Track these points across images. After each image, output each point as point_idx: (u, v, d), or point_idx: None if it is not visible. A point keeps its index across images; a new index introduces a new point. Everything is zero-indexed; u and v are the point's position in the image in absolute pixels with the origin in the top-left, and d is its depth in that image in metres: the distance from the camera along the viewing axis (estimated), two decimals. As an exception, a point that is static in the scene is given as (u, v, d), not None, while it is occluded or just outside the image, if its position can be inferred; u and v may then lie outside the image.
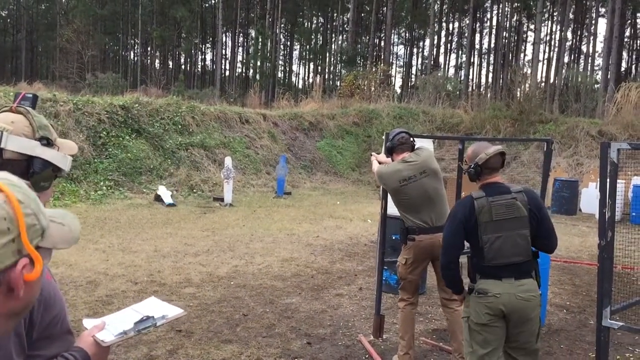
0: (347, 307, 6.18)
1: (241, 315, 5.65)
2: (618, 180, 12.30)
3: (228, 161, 13.75)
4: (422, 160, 4.52)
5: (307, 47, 54.68)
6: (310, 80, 51.69)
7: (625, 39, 45.79)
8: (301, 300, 6.28)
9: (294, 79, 56.42)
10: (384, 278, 6.74)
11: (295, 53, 57.24)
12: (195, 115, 16.97)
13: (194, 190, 14.48)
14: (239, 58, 54.68)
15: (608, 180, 3.91)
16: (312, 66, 55.75)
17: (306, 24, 55.05)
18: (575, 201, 14.85)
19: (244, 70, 52.67)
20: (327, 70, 49.59)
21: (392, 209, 6.30)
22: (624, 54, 45.63)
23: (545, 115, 20.14)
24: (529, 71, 27.47)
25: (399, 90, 36.94)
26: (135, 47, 52.06)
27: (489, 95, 29.76)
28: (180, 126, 16.30)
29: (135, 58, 52.01)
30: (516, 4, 44.01)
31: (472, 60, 44.91)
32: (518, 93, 22.11)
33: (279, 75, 52.17)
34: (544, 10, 34.45)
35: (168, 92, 26.59)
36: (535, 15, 32.11)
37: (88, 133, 14.13)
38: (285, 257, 8.39)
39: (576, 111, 22.57)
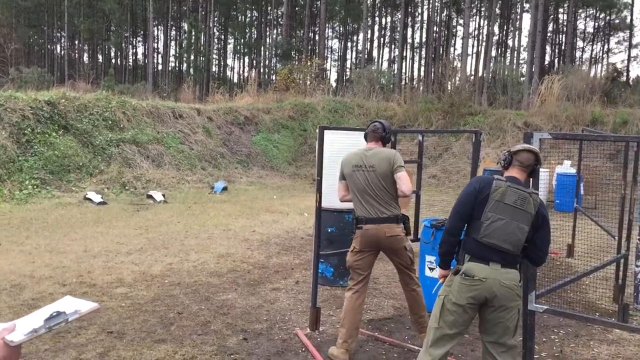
0: (283, 301, 6.18)
1: (175, 313, 5.55)
2: (543, 169, 12.78)
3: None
4: (377, 157, 4.67)
5: (242, 41, 54.13)
6: (246, 74, 51.26)
7: (549, 34, 47.76)
8: (237, 296, 6.23)
9: (228, 73, 55.78)
10: (320, 271, 6.78)
11: (230, 47, 56.57)
12: (126, 110, 16.50)
13: (126, 188, 14.09)
14: (172, 52, 53.51)
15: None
16: (247, 60, 55.28)
17: (240, 17, 54.46)
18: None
19: (177, 65, 51.59)
20: (262, 64, 49.29)
21: (327, 202, 6.37)
22: (548, 48, 47.58)
23: (475, 107, 20.76)
24: (458, 65, 28.24)
25: (334, 84, 37.18)
26: (62, 41, 50.08)
27: (421, 88, 30.35)
28: (110, 122, 15.80)
29: (62, 52, 50.01)
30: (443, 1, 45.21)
31: (404, 54, 45.70)
32: (449, 86, 22.69)
33: (214, 69, 51.43)
34: (472, 5, 35.41)
35: (97, 87, 25.73)
36: (464, 11, 32.99)
37: (11, 130, 13.49)
38: (221, 253, 8.30)
39: (503, 103, 23.37)
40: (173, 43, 54.55)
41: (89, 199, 12.65)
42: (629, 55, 46.28)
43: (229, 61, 57.52)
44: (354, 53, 55.60)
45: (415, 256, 5.03)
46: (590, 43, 50.48)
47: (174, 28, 55.08)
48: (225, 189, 14.68)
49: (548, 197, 14.46)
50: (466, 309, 3.46)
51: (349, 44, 55.64)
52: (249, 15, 54.79)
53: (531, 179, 3.66)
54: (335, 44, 56.85)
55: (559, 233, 10.94)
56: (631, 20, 46.87)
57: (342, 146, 6.82)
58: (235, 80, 50.91)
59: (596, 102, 18.79)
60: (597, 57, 49.80)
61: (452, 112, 19.96)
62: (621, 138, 6.02)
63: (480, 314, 3.52)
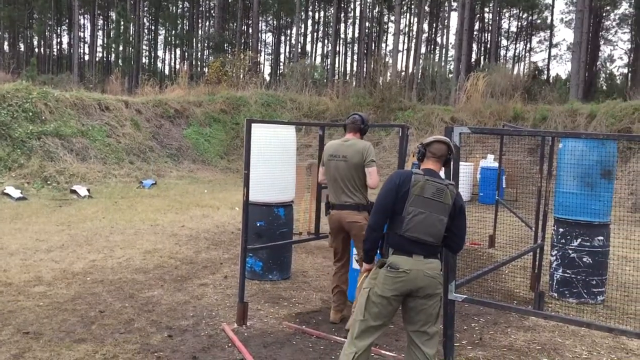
0: (211, 297, 6.11)
1: (97, 312, 5.38)
2: (467, 163, 13.17)
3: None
4: (352, 148, 5.10)
5: (173, 32, 52.91)
6: (177, 66, 50.21)
7: (475, 32, 49.23)
8: (163, 293, 6.11)
9: (159, 65, 54.45)
10: (248, 265, 6.76)
11: (161, 38, 55.20)
12: (48, 102, 15.81)
13: (48, 182, 13.53)
14: (99, 42, 51.72)
15: (452, 162, 4.19)
16: (178, 52, 54.12)
17: (171, 8, 53.19)
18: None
19: (104, 55, 49.90)
20: (194, 57, 48.39)
21: (256, 196, 6.34)
22: (474, 46, 49.05)
23: (405, 102, 21.18)
24: (389, 61, 28.75)
25: (268, 78, 37.00)
26: (-21, 28, 47.44)
27: (353, 83, 30.65)
28: (31, 113, 15.10)
29: (-21, 40, 47.39)
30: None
31: (337, 49, 46.01)
32: (380, 82, 23.03)
33: (143, 60, 50.03)
34: (403, 2, 36.04)
35: (18, 77, 24.52)
36: (395, 7, 33.54)
37: None
38: (148, 249, 8.12)
39: (432, 99, 23.96)
40: (100, 33, 52.74)
41: (7, 194, 12.06)
42: (549, 54, 48.51)
43: (160, 53, 56.22)
44: (287, 47, 55.56)
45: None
46: (514, 42, 52.46)
47: (101, 17, 53.24)
48: (154, 183, 14.35)
49: (472, 190, 14.93)
50: (391, 300, 3.53)
51: (283, 38, 55.54)
52: (181, 6, 53.62)
53: (444, 168, 3.82)
54: (268, 37, 56.62)
55: (482, 225, 11.35)
56: (551, 20, 49.11)
57: (270, 140, 6.84)
58: (167, 73, 49.76)
59: (518, 99, 19.57)
60: (520, 55, 51.83)
61: (383, 107, 20.29)
62: (535, 132, 6.28)
63: (403, 304, 3.60)
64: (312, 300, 6.20)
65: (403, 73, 32.11)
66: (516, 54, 51.93)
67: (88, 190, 13.01)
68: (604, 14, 45.95)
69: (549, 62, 47.50)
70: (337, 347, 4.70)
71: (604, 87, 45.54)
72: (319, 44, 53.47)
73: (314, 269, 7.55)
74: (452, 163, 4.09)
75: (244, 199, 5.39)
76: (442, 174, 3.80)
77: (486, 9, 49.32)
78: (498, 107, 18.90)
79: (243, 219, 5.45)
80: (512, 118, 18.42)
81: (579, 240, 6.37)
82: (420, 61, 33.89)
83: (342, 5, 47.57)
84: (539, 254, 6.22)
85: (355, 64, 47.14)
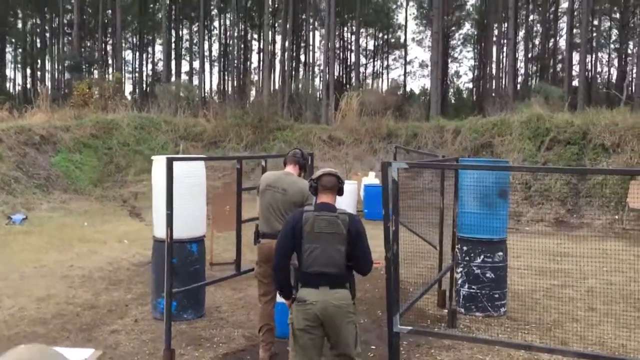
0: (126, 345, 5.77)
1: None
2: (350, 181, 13.51)
3: None
4: (294, 185, 5.15)
5: (23, 50, 49.06)
6: (30, 87, 46.64)
7: (338, 51, 50.96)
8: (71, 345, 5.66)
9: (8, 85, 50.07)
10: (161, 306, 6.45)
11: (9, 57, 50.90)
12: None
13: None
14: None
15: (390, 196, 4.34)
16: (28, 72, 50.27)
17: (20, 24, 49.33)
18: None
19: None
20: (51, 78, 45.26)
21: (163, 232, 6.09)
22: (337, 65, 50.76)
23: (282, 122, 21.41)
24: (257, 78, 28.93)
25: (129, 97, 35.47)
26: None
27: (228, 103, 30.45)
28: None
29: None
30: (241, 13, 45.86)
31: (204, 68, 45.40)
32: (252, 100, 23.10)
33: (-11, 81, 45.90)
34: (269, 22, 36.45)
35: None
36: (263, 27, 33.91)
37: None
38: (41, 296, 7.46)
39: (309, 118, 24.46)
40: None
41: None
42: (405, 71, 51.61)
43: (8, 72, 51.75)
44: (149, 65, 53.73)
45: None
46: (372, 60, 55.03)
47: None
48: (25, 218, 13.20)
49: (357, 207, 15.40)
50: (307, 331, 3.74)
51: (145, 56, 53.62)
52: (31, 22, 49.88)
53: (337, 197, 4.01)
54: (129, 55, 54.37)
55: (376, 242, 11.73)
56: (405, 40, 52.33)
57: (178, 174, 6.60)
58: (21, 95, 45.89)
59: (389, 117, 20.57)
60: (378, 72, 54.54)
61: (261, 126, 20.37)
62: (471, 166, 6.69)
63: (325, 332, 3.79)
64: (235, 338, 6.07)
65: (275, 92, 32.39)
66: (374, 71, 54.54)
67: (-52, 230, 11.69)
68: (451, 34, 49.88)
69: (405, 79, 50.44)
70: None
71: (453, 101, 49.39)
72: (184, 62, 52.40)
73: (226, 303, 7.38)
74: (391, 197, 4.27)
75: (168, 241, 5.19)
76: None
77: (345, 29, 51.36)
78: (372, 124, 19.73)
79: (167, 262, 5.24)
80: (387, 135, 19.32)
81: (481, 257, 6.85)
82: (292, 80, 34.42)
83: (206, 22, 47.03)
84: (450, 272, 6.58)
85: (229, 82, 46.64)
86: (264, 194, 5.26)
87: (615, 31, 44.90)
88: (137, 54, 53.12)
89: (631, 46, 42.77)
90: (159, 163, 6.84)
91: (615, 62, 45.53)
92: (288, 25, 36.42)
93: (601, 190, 15.23)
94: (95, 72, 37.34)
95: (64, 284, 8.12)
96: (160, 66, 51.53)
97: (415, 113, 22.51)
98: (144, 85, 49.61)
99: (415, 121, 20.84)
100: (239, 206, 5.93)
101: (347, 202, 14.69)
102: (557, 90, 23.53)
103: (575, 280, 8.57)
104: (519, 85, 39.87)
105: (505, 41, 40.10)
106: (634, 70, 41.08)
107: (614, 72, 46.30)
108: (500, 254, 6.92)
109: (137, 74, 52.65)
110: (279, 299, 5.76)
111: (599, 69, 45.79)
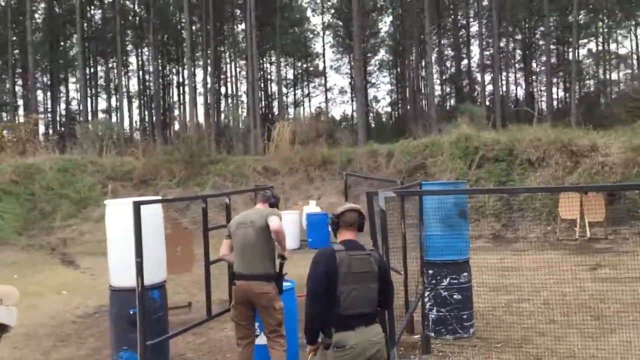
0: (93, 406, 5.33)
1: None
2: (291, 211, 13.39)
3: None
4: (258, 213, 5.10)
5: None
6: None
7: (260, 81, 51.12)
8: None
9: None
10: (125, 360, 6.04)
11: None
12: None
13: None
14: None
15: (379, 226, 4.27)
16: None
17: None
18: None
19: None
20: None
21: (123, 281, 5.77)
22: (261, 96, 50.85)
23: (214, 155, 21.06)
24: (181, 114, 28.43)
25: (43, 139, 33.77)
26: None
27: (156, 140, 29.68)
28: None
29: None
30: (158, 47, 45.15)
31: (124, 105, 44.23)
32: (181, 136, 22.59)
33: None
34: (189, 56, 35.97)
35: None
36: (185, 61, 33.47)
37: None
38: (-17, 361, 6.82)
39: (239, 150, 24.19)
40: None
41: None
42: (326, 97, 52.38)
43: None
44: (62, 104, 51.58)
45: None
46: (293, 88, 55.52)
47: None
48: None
49: (300, 236, 15.29)
50: None
51: (58, 95, 51.47)
52: None
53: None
54: (39, 95, 51.97)
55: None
56: (324, 67, 53.21)
57: (125, 219, 6.23)
58: None
59: (322, 144, 20.68)
60: (299, 101, 55.08)
61: (193, 162, 19.93)
62: (447, 191, 6.73)
63: None
64: (210, 388, 5.76)
65: (202, 125, 31.92)
66: (295, 100, 55.01)
67: None
68: (367, 60, 51.22)
69: (327, 105, 51.13)
70: None
71: (373, 125, 50.53)
72: (99, 99, 50.72)
73: (190, 349, 7.03)
74: (379, 227, 4.22)
75: (139, 290, 4.88)
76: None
77: (264, 59, 51.62)
78: (306, 153, 19.76)
79: (139, 313, 4.92)
80: (322, 162, 19.39)
81: (447, 279, 6.88)
82: (217, 113, 34.07)
83: (123, 58, 45.94)
84: (421, 298, 6.56)
85: (154, 118, 45.36)
86: (235, 234, 5.15)
87: (518, 52, 47.68)
88: (49, 93, 50.99)
89: (534, 65, 45.64)
90: (114, 207, 6.48)
91: (522, 82, 48.35)
92: (209, 60, 36.15)
93: (532, 203, 15.88)
94: (3, 114, 35.52)
95: (7, 345, 7.44)
96: (74, 105, 49.81)
97: (346, 139, 22.78)
98: (58, 126, 47.63)
99: (348, 147, 21.07)
100: (206, 247, 5.69)
101: (289, 231, 14.59)
102: (480, 110, 24.56)
103: (529, 293, 8.83)
104: (436, 107, 41.32)
105: (424, 63, 41.46)
106: (540, 88, 43.86)
107: (518, 90, 49.21)
108: (465, 274, 6.99)
109: (49, 115, 50.44)
110: (258, 340, 5.54)
111: (505, 88, 48.32)
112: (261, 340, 5.50)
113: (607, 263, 10.95)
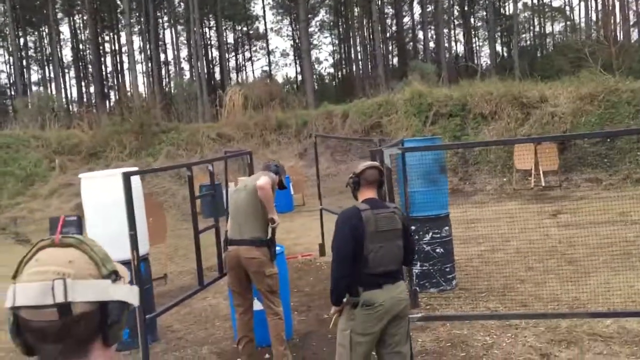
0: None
1: None
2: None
3: None
4: (253, 178, 5.05)
5: None
6: None
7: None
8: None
9: None
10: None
11: None
12: None
13: None
14: None
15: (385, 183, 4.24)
16: None
17: None
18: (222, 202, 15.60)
19: None
20: None
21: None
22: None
23: (165, 124, 20.49)
24: (126, 84, 27.42)
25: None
26: None
27: (99, 111, 28.58)
28: None
29: None
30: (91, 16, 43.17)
31: (59, 74, 42.20)
32: (128, 105, 21.85)
33: None
34: (127, 22, 34.50)
35: None
36: (123, 27, 32.15)
37: None
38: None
39: (189, 118, 23.62)
40: None
41: None
42: (269, 61, 51.54)
43: None
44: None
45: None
46: (234, 53, 54.35)
47: None
48: None
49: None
50: (375, 334, 3.57)
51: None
52: None
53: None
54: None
55: (295, 235, 11.65)
56: (265, 30, 52.19)
57: (110, 191, 6.02)
58: None
59: (277, 108, 20.44)
60: (241, 65, 54.05)
61: (144, 132, 19.33)
62: (453, 144, 6.68)
63: (383, 331, 3.62)
64: (206, 357, 5.70)
65: (147, 94, 30.94)
66: (238, 64, 53.93)
67: None
68: (308, 21, 50.56)
69: (270, 68, 50.35)
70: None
71: (316, 87, 50.29)
72: (31, 71, 48.28)
73: (176, 320, 6.92)
74: (384, 184, 4.19)
75: (135, 264, 4.71)
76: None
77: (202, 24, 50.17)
78: (261, 117, 19.49)
79: (138, 285, 4.74)
80: (277, 126, 19.20)
81: (430, 234, 6.99)
82: (163, 82, 33.01)
83: (56, 26, 43.69)
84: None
85: (92, 88, 43.59)
86: (232, 198, 5.13)
87: (457, 7, 48.13)
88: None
89: (472, 21, 46.27)
90: (90, 181, 6.22)
91: (460, 37, 48.98)
92: (148, 26, 34.83)
93: (487, 156, 16.27)
94: None
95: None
96: (2, 78, 47.32)
97: (300, 101, 22.58)
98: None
99: (303, 109, 20.91)
100: (194, 215, 5.52)
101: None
102: (430, 67, 24.75)
103: (499, 243, 9.08)
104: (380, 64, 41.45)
105: (370, 22, 41.22)
106: (478, 43, 44.59)
107: (458, 47, 49.91)
108: (447, 228, 7.11)
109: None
110: (256, 306, 5.48)
111: (447, 45, 48.87)
112: (258, 305, 5.45)
113: (566, 210, 11.38)
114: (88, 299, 1.07)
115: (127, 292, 1.17)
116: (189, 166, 5.65)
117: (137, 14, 41.66)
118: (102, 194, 6.00)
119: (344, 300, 3.64)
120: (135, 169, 6.03)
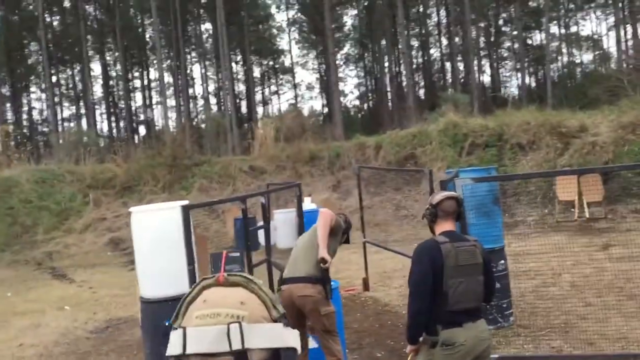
0: None
1: None
2: (288, 210, 12.96)
3: None
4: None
5: None
6: None
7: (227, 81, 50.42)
8: None
9: None
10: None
11: None
12: None
13: None
14: None
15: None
16: None
17: None
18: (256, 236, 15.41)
19: None
20: None
21: (154, 291, 5.43)
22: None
23: (199, 157, 20.56)
24: (155, 118, 27.75)
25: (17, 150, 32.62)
26: None
27: (134, 145, 28.94)
28: None
29: None
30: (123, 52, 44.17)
31: (91, 110, 43.04)
32: (162, 138, 22.04)
33: None
34: (159, 58, 35.22)
35: None
36: (155, 62, 32.76)
37: None
38: (3, 388, 6.36)
39: (220, 151, 23.70)
40: None
41: None
42: (295, 94, 52.02)
43: None
44: (24, 114, 49.92)
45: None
46: (261, 87, 54.96)
47: None
48: None
49: (299, 234, 14.95)
50: None
51: (20, 105, 49.79)
52: None
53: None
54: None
55: (343, 266, 11.38)
56: (292, 64, 52.76)
57: (165, 225, 5.88)
58: None
59: (309, 140, 20.38)
60: (268, 99, 54.57)
61: (177, 165, 19.40)
62: (528, 174, 6.54)
63: None
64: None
65: (180, 128, 31.29)
66: (263, 98, 54.43)
67: None
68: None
69: (296, 101, 50.72)
70: None
71: (341, 119, 50.37)
72: (63, 108, 49.26)
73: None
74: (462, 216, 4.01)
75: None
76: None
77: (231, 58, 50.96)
78: (293, 150, 19.42)
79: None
80: (309, 158, 19.10)
81: (486, 267, 6.69)
82: (200, 116, 33.39)
83: (87, 64, 44.76)
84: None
85: (121, 123, 44.29)
86: (296, 240, 5.21)
87: (482, 39, 48.11)
88: (9, 104, 49.30)
89: (499, 52, 46.17)
90: (140, 215, 6.09)
91: (486, 68, 48.83)
92: (179, 62, 35.43)
93: (526, 187, 15.88)
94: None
95: (22, 369, 7.01)
96: (34, 114, 48.33)
97: (331, 134, 22.52)
98: (23, 137, 46.09)
99: (335, 141, 20.82)
100: (248, 250, 5.36)
101: (287, 231, 14.25)
102: (464, 97, 24.59)
103: (551, 277, 8.73)
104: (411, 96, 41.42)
105: (397, 53, 41.39)
106: (505, 73, 44.46)
107: (485, 77, 49.75)
108: (503, 262, 6.83)
109: (12, 126, 48.73)
110: (311, 345, 5.25)
111: (477, 75, 48.73)
112: (312, 344, 5.23)
113: (616, 242, 10.95)
114: (264, 346, 0.99)
115: (295, 337, 1.07)
116: (242, 199, 5.51)
117: (167, 50, 42.45)
118: (153, 228, 5.86)
119: (421, 339, 3.45)
120: (185, 202, 5.90)
